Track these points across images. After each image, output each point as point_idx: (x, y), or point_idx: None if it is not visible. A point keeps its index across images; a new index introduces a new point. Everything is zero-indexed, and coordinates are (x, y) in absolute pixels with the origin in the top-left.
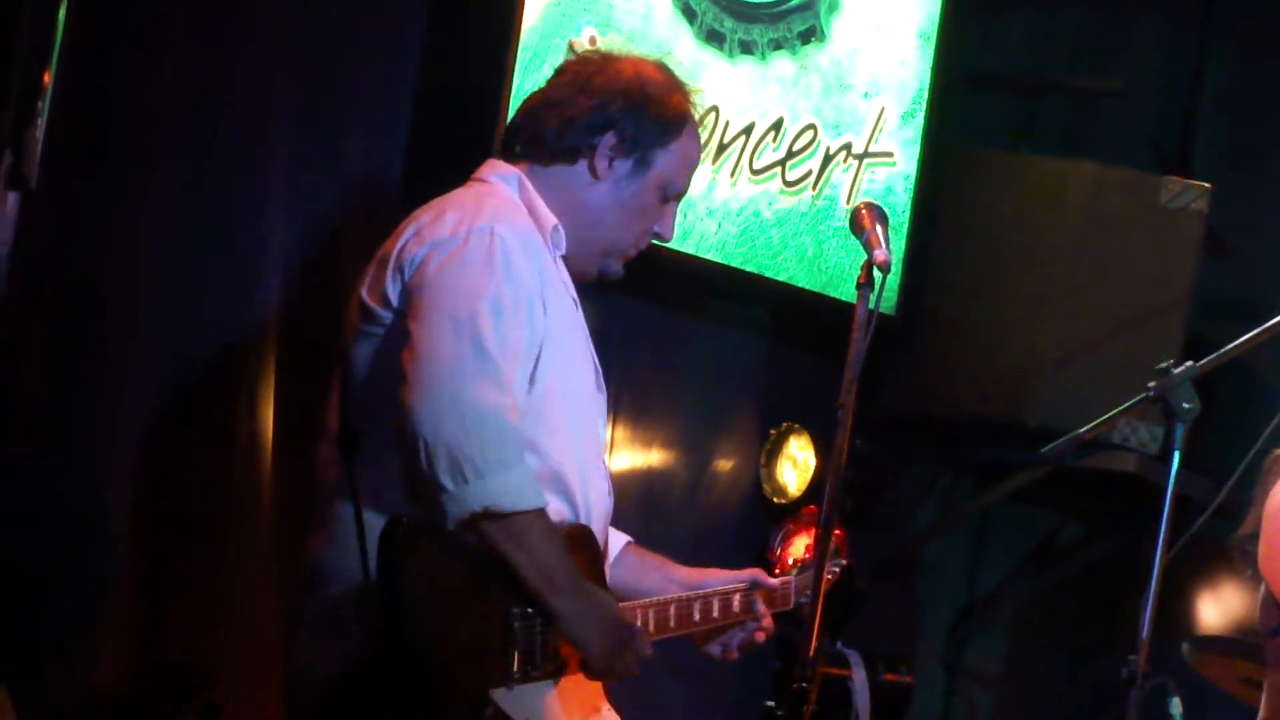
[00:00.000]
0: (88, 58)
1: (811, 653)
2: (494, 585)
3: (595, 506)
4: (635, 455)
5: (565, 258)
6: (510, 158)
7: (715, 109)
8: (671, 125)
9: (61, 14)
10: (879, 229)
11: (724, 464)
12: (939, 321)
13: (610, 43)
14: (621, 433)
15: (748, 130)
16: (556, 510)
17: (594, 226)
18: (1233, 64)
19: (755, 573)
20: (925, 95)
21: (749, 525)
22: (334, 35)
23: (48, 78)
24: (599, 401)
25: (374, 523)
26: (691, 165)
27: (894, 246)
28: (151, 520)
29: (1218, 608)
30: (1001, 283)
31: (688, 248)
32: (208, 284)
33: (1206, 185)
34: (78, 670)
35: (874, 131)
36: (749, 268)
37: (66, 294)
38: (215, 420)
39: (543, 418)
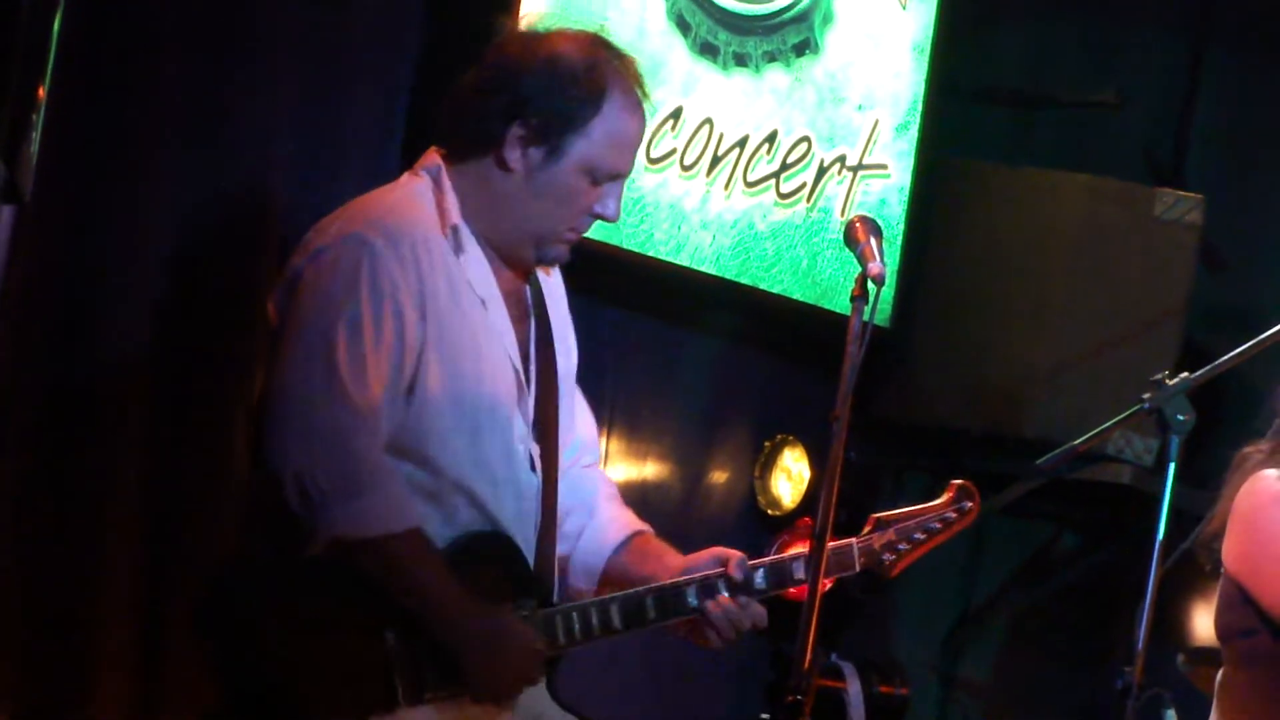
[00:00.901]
0: (83, 70)
1: (806, 665)
2: (368, 611)
3: (515, 510)
4: (629, 468)
5: (497, 249)
6: (440, 147)
7: (709, 121)
8: (584, 106)
9: (56, 25)
10: (873, 241)
11: (718, 476)
12: (933, 333)
13: (545, 19)
14: (615, 445)
15: (742, 143)
16: (468, 520)
17: (514, 218)
18: (1227, 75)
19: (717, 552)
20: (919, 107)
21: (744, 537)
22: (332, 42)
23: (42, 91)
24: (519, 403)
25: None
26: (621, 143)
27: (888, 259)
28: (151, 533)
29: (1212, 619)
30: (996, 295)
31: (682, 259)
32: (206, 298)
33: (1200, 197)
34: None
35: (868, 144)
36: (743, 280)
37: (62, 308)
38: (216, 433)
39: (430, 429)
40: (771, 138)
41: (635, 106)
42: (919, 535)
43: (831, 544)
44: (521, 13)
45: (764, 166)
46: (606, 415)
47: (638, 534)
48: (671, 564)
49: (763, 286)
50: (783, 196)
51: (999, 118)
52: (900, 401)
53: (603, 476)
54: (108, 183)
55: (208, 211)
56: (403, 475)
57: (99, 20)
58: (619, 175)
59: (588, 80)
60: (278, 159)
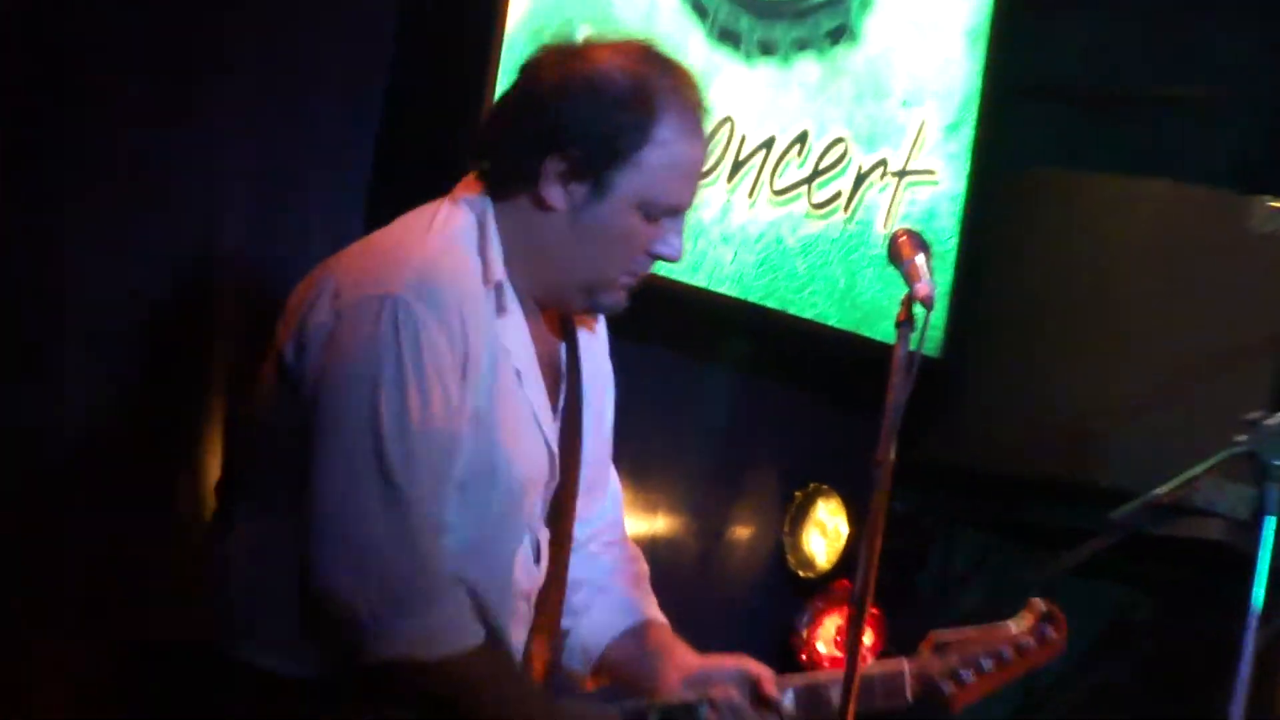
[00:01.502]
0: (23, 69)
1: None
2: None
3: (512, 608)
4: (637, 522)
5: (540, 300)
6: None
7: (730, 120)
8: (631, 133)
9: None
10: (921, 258)
11: (740, 532)
12: (991, 364)
13: (596, 32)
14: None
15: (768, 144)
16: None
17: (559, 265)
18: None
19: (740, 665)
20: (974, 104)
21: (770, 604)
22: (296, 32)
23: None
24: (545, 488)
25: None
26: (679, 173)
27: (938, 278)
28: (77, 594)
29: None
30: (1064, 320)
31: (699, 280)
32: (147, 313)
33: None
34: None
35: (914, 146)
36: (770, 303)
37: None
38: (152, 475)
39: (448, 519)
40: (802, 139)
41: (694, 129)
42: (987, 663)
43: (878, 668)
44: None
45: (794, 172)
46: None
47: (649, 622)
48: (684, 664)
49: (792, 310)
50: (816, 206)
51: (1066, 117)
52: (953, 444)
53: (629, 555)
54: (42, 185)
55: (154, 219)
56: None
57: (40, 17)
58: (678, 210)
59: (634, 101)
60: (232, 162)
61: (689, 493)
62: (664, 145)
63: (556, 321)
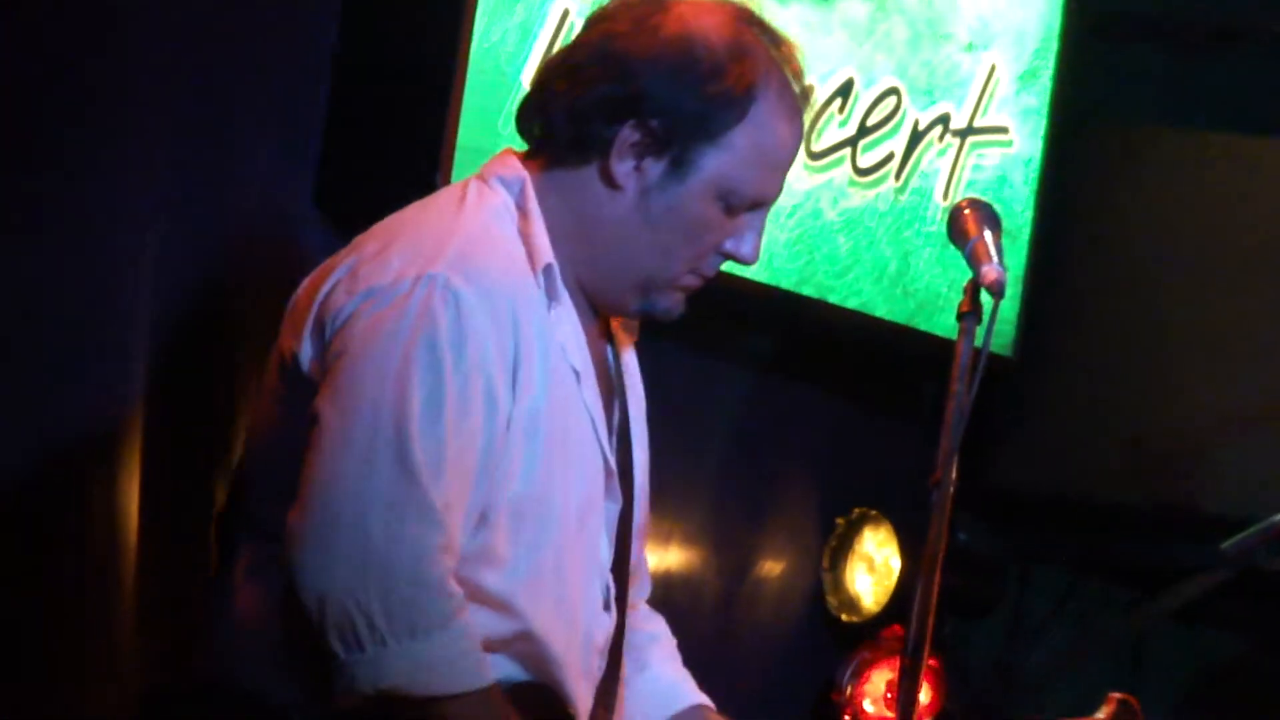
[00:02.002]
0: None
1: None
2: None
3: (584, 666)
4: (649, 555)
5: (589, 294)
6: (526, 145)
7: None
8: (727, 107)
9: None
10: (989, 235)
11: (772, 567)
12: (1073, 368)
13: None
14: None
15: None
16: (504, 674)
17: (617, 255)
18: None
19: None
20: (1053, 47)
21: (808, 653)
22: (221, 79)
23: None
24: (604, 512)
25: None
26: (772, 160)
27: (1010, 260)
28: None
29: None
30: (1162, 313)
31: None
32: (54, 316)
33: None
34: None
35: (981, 98)
36: (805, 290)
37: None
38: (65, 497)
39: (498, 548)
40: (845, 90)
41: (793, 110)
42: None
43: None
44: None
45: (835, 131)
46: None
47: (698, 707)
48: None
49: (833, 299)
50: (861, 173)
51: (1166, 61)
52: (1027, 463)
53: (657, 620)
54: None
55: (64, 210)
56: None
57: None
58: (763, 204)
59: (734, 71)
60: (155, 144)
61: (709, 520)
62: (760, 127)
63: (601, 324)
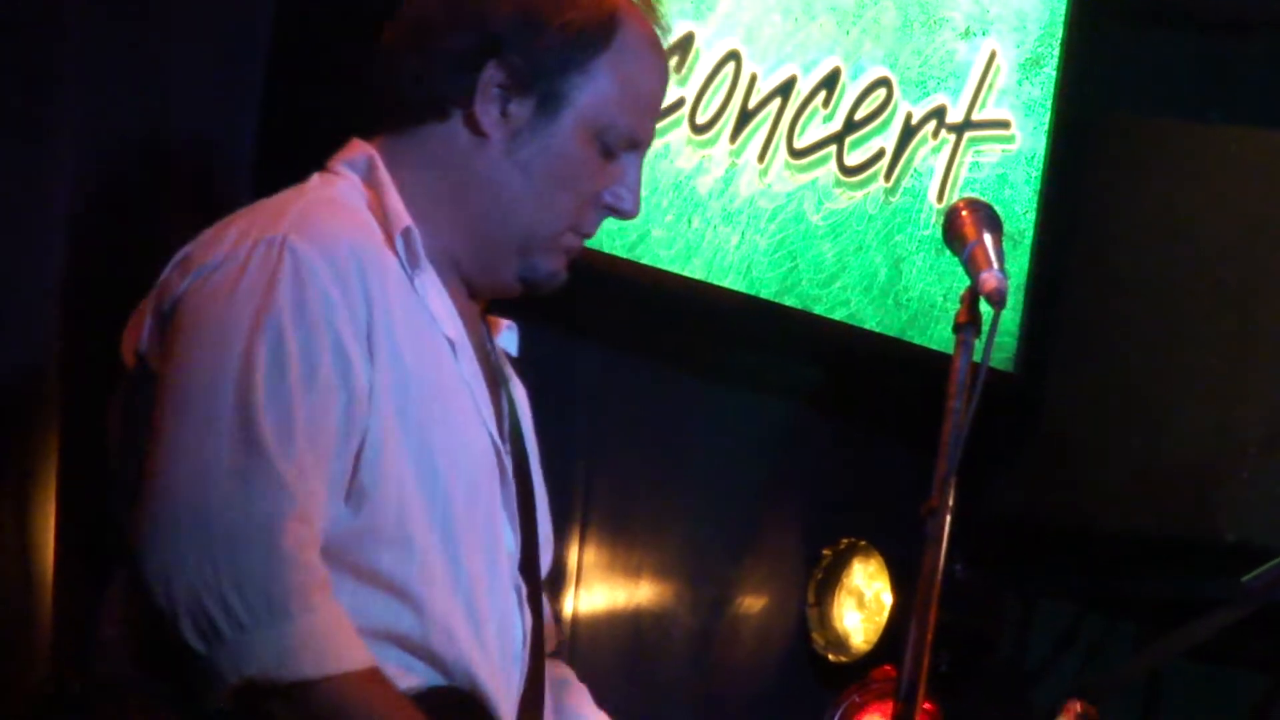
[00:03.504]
0: None
1: None
2: None
3: (501, 665)
4: (614, 588)
5: (461, 267)
6: (370, 128)
7: (735, 56)
8: (591, 34)
9: None
10: (988, 240)
11: (751, 602)
12: (1079, 383)
13: None
14: (592, 555)
15: (785, 89)
16: (416, 681)
17: (492, 210)
18: None
19: None
20: (1059, 33)
21: (791, 696)
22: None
23: None
24: (498, 494)
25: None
26: (640, 94)
27: (1011, 267)
28: None
29: None
30: (1179, 325)
31: (694, 270)
32: None
33: None
34: None
35: (980, 90)
36: (788, 300)
37: None
38: None
39: (385, 531)
40: (831, 81)
41: (655, 44)
42: None
43: None
44: None
45: (819, 126)
46: (579, 507)
47: None
48: None
49: (818, 310)
50: (848, 172)
51: (1186, 48)
52: (1030, 488)
53: (566, 669)
54: None
55: None
56: (343, 598)
57: None
58: (639, 143)
59: (589, 2)
60: (69, 104)
61: (682, 551)
62: (627, 53)
63: (476, 310)
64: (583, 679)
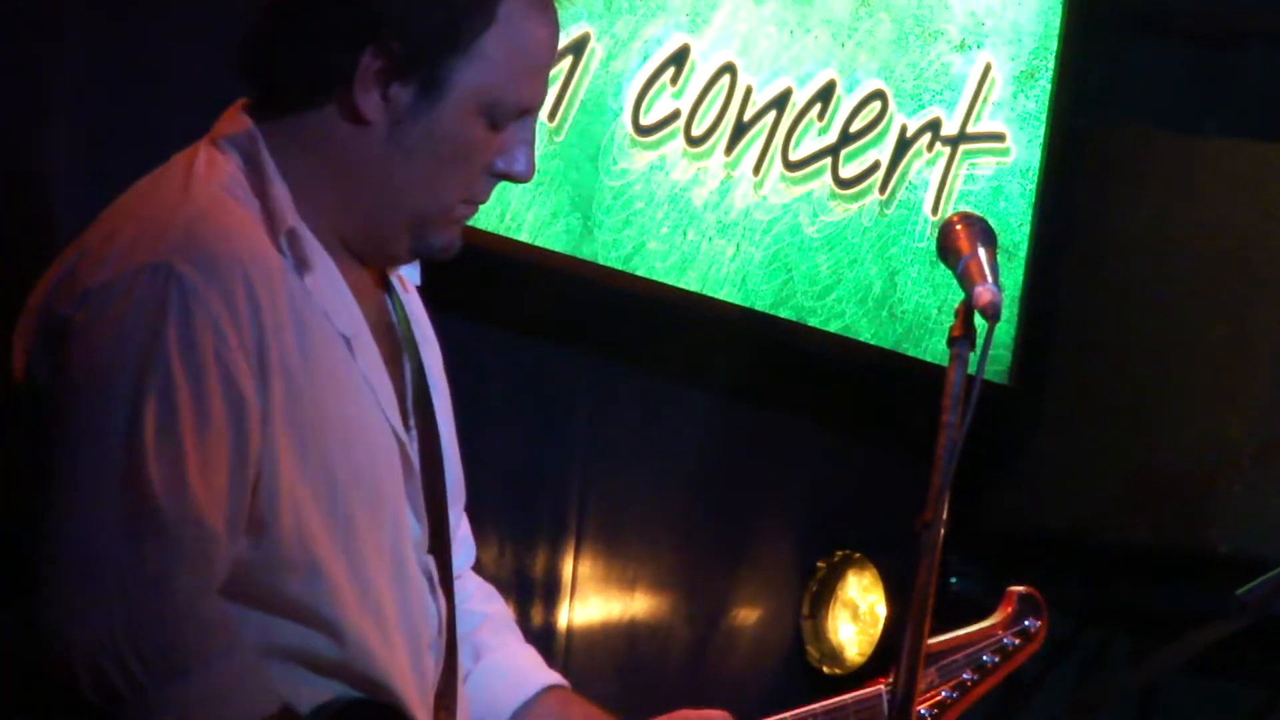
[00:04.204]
0: None
1: None
2: None
3: (413, 661)
4: (609, 600)
5: (351, 245)
6: (247, 90)
7: (730, 69)
8: (473, 12)
9: None
10: (983, 253)
11: (747, 614)
12: (1074, 396)
13: None
14: (588, 565)
15: (780, 101)
16: (329, 697)
17: (377, 197)
18: None
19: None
20: (1053, 46)
21: (785, 709)
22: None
23: None
24: (406, 495)
25: None
26: (530, 61)
27: (1006, 280)
28: None
29: None
30: (1173, 338)
31: (690, 282)
32: None
33: None
34: None
35: (975, 103)
36: (783, 312)
37: None
38: None
39: (286, 554)
40: (826, 94)
41: (543, 4)
42: (969, 676)
43: (852, 695)
44: None
45: (814, 139)
46: (574, 519)
47: (551, 689)
48: None
49: (812, 322)
50: (843, 184)
51: (1176, 61)
52: (1024, 500)
53: (484, 590)
54: None
55: None
56: (252, 630)
57: None
58: (528, 110)
59: None
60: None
61: (677, 563)
62: (512, 27)
63: (374, 275)
64: (578, 690)
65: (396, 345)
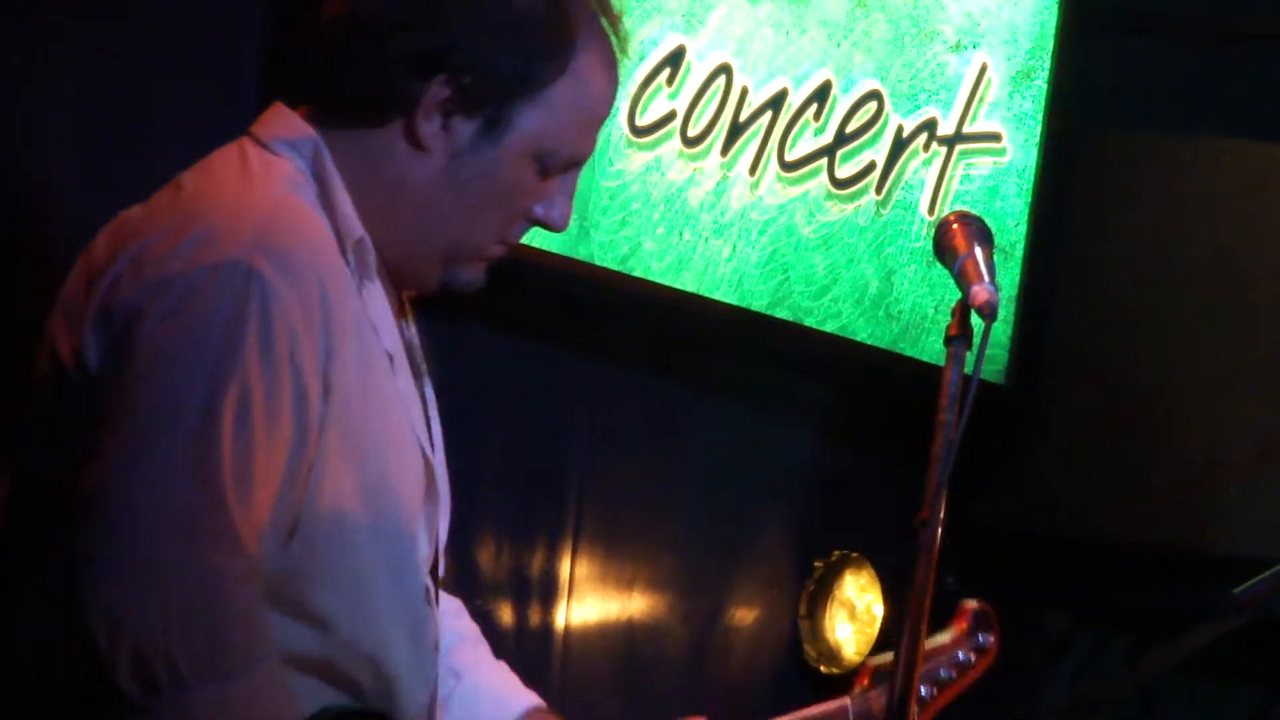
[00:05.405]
0: None
1: None
2: None
3: (420, 675)
4: (607, 600)
5: (385, 262)
6: (301, 103)
7: (726, 69)
8: (547, 61)
9: None
10: (979, 253)
11: (744, 614)
12: (1071, 396)
13: None
14: (585, 566)
15: (776, 102)
16: (328, 704)
17: (424, 222)
18: None
19: None
20: (1050, 46)
21: (783, 708)
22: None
23: None
24: (422, 510)
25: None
26: (590, 117)
27: (1003, 280)
28: None
29: None
30: (1170, 337)
31: (686, 283)
32: None
33: None
34: None
35: (971, 103)
36: (779, 312)
37: None
38: None
39: (321, 566)
40: (822, 94)
41: (612, 60)
42: (926, 691)
43: (816, 710)
44: None
45: (810, 139)
46: (571, 519)
47: (531, 711)
48: None
49: (809, 322)
50: (839, 185)
51: (1173, 61)
52: (1021, 500)
53: (454, 605)
54: None
55: None
56: (282, 639)
57: None
58: (579, 163)
59: (551, 21)
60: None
61: (675, 563)
62: (581, 82)
63: (397, 299)
64: (575, 691)
65: (417, 367)
